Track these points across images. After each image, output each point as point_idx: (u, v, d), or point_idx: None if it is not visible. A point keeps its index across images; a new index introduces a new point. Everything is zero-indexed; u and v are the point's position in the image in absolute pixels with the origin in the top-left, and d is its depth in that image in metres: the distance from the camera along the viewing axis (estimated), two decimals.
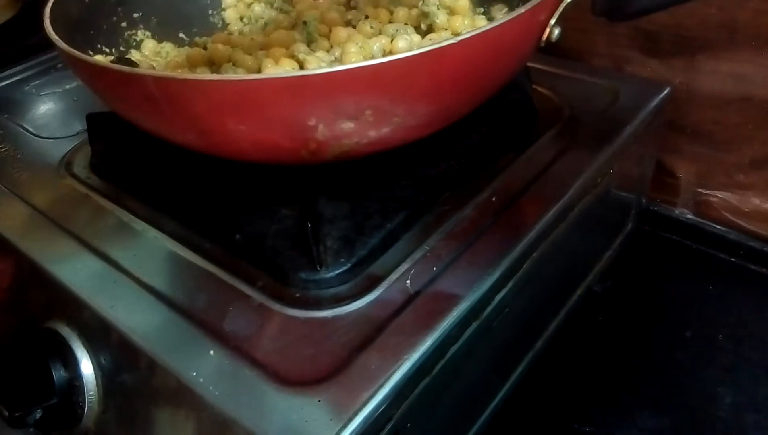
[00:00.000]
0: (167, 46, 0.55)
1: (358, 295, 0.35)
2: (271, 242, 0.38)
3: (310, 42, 0.47)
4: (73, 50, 0.35)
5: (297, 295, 0.36)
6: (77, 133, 0.51)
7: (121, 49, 0.53)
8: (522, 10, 0.34)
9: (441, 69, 0.33)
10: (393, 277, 0.36)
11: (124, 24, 0.54)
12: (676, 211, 0.62)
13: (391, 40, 0.46)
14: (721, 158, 0.58)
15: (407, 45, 0.45)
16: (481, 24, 0.50)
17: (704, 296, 0.59)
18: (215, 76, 0.36)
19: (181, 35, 0.57)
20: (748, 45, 0.51)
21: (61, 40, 0.37)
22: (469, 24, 0.49)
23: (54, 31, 0.39)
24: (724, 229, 0.60)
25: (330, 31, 0.48)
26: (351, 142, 0.35)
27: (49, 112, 0.56)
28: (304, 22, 0.47)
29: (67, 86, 0.59)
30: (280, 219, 0.39)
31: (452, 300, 0.34)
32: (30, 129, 0.53)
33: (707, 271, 0.61)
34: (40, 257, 0.40)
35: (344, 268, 0.36)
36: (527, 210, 0.41)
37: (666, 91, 0.51)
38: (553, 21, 0.38)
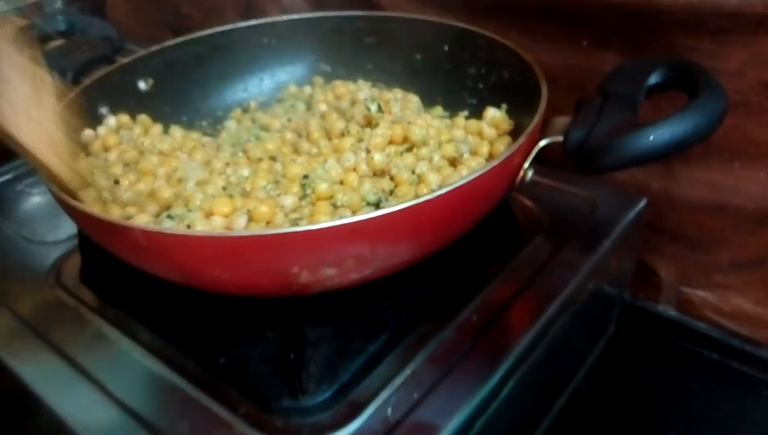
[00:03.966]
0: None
1: (339, 426, 0.35)
2: (254, 368, 0.38)
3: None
4: (65, 196, 0.37)
5: (279, 423, 0.36)
6: (68, 238, 0.52)
7: None
8: (496, 161, 0.36)
9: (418, 220, 0.34)
10: (374, 405, 0.36)
11: None
12: (660, 308, 0.63)
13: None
14: (700, 260, 0.59)
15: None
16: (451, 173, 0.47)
17: (688, 394, 0.59)
18: (200, 232, 0.37)
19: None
20: (720, 157, 0.53)
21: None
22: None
23: None
24: (706, 326, 0.61)
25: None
26: (333, 283, 0.36)
27: (42, 213, 0.57)
28: None
29: None
30: (265, 343, 0.40)
31: (432, 431, 0.35)
32: (21, 232, 0.54)
33: (690, 367, 0.61)
34: (22, 373, 0.40)
35: (326, 395, 0.37)
36: (508, 329, 0.42)
37: (642, 204, 0.52)
38: (526, 165, 0.40)
